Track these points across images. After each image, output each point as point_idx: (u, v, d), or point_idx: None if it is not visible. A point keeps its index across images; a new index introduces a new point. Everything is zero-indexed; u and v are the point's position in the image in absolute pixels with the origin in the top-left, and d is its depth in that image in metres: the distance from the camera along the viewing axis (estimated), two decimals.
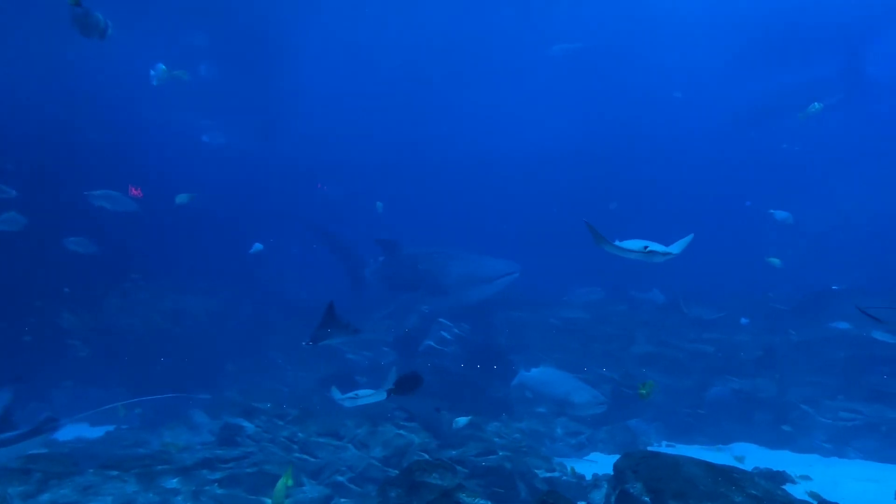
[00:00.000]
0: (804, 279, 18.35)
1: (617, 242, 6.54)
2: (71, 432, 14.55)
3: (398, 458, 10.50)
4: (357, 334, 8.82)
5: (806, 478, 11.15)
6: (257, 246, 16.94)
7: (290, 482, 6.90)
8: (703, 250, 11.61)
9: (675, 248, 6.64)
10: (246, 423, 11.82)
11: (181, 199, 14.91)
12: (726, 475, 6.89)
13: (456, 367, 15.49)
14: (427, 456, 9.98)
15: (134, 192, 15.01)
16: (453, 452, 10.24)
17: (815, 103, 14.26)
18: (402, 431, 10.96)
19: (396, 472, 9.15)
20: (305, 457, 10.74)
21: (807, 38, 24.73)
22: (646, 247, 6.45)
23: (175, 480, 9.29)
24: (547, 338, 17.29)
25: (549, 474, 10.41)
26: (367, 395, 8.58)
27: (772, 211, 16.46)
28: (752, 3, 23.56)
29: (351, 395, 8.60)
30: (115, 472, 8.99)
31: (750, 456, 13.01)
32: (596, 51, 25.73)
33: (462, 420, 10.55)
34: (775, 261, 15.84)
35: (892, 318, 11.11)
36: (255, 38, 24.05)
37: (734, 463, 11.89)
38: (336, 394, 8.64)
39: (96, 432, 14.24)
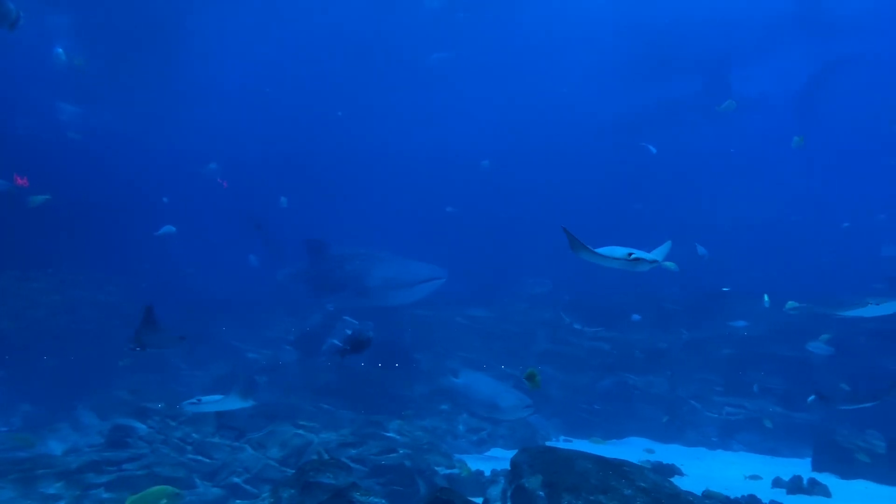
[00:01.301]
0: (696, 281, 19.16)
1: (598, 250, 6.04)
2: None
3: (296, 458, 10.32)
4: (183, 342, 8.40)
5: (756, 477, 11.60)
6: (168, 228, 15.99)
7: None
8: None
9: (658, 254, 6.36)
10: (138, 424, 11.33)
11: (36, 200, 13.90)
12: (617, 469, 7.12)
13: (359, 366, 15.37)
14: (326, 455, 9.85)
15: (20, 181, 14.16)
16: (353, 451, 10.16)
17: (730, 101, 15.39)
18: (300, 431, 10.79)
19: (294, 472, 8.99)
20: (200, 458, 10.41)
21: (678, 58, 26.43)
22: (630, 254, 6.00)
23: (58, 485, 8.81)
24: (452, 336, 17.43)
25: (449, 471, 10.48)
26: (213, 402, 8.17)
27: (696, 244, 17.26)
28: (629, 26, 25.04)
29: (193, 400, 8.17)
30: None
31: (643, 449, 13.55)
32: (482, 59, 26.36)
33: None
34: (671, 265, 16.47)
35: None
36: (137, 22, 22.63)
37: (645, 456, 12.41)
38: (193, 398, 8.24)
39: None
